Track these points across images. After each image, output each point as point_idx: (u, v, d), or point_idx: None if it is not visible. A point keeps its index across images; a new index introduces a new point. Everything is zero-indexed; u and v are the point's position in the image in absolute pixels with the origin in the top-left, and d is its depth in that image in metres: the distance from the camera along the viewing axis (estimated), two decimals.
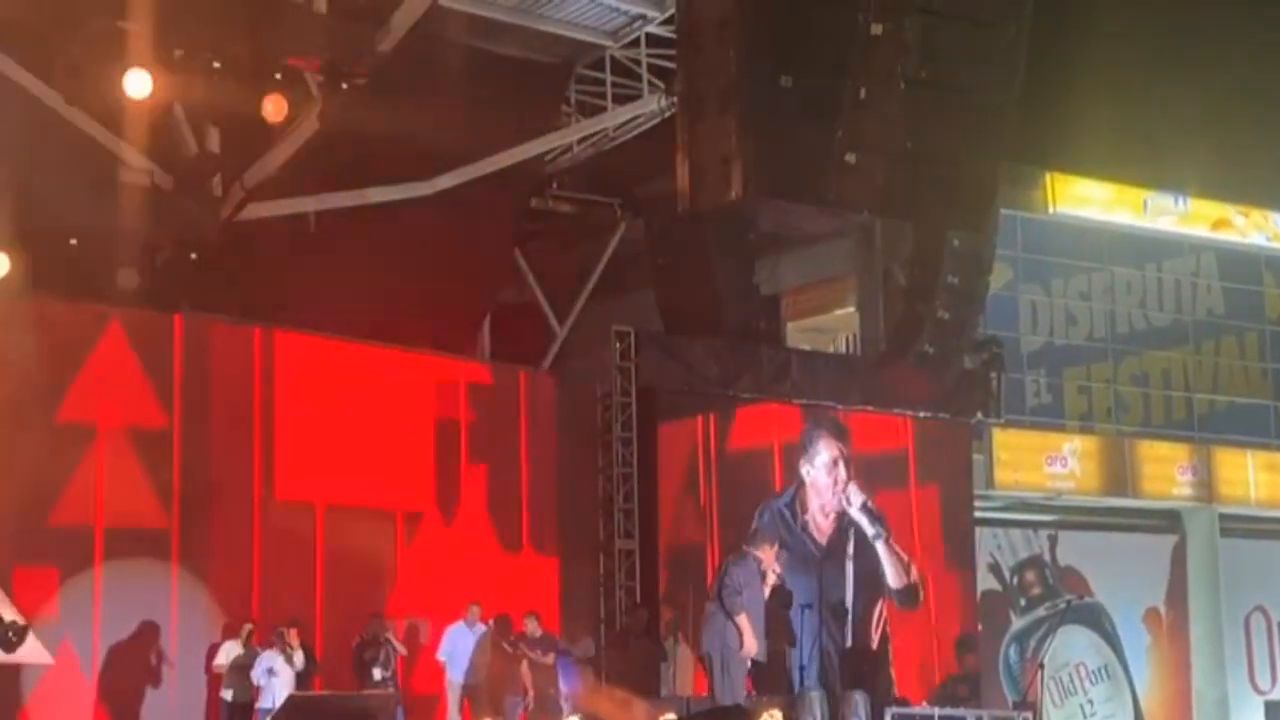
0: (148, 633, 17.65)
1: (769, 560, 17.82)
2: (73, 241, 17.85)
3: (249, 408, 18.87)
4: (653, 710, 17.06)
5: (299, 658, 17.53)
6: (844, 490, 20.06)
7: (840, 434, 20.57)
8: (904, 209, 18.66)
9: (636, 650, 18.93)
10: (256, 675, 17.36)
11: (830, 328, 24.52)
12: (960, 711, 15.78)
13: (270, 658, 17.45)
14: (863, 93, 17.08)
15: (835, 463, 20.26)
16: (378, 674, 18.05)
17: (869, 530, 20.06)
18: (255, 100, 17.42)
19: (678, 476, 21.55)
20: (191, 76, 17.21)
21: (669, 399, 20.96)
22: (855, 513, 20.05)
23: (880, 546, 19.92)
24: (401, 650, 18.59)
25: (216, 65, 17.22)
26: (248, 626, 17.77)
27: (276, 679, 17.25)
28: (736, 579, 17.59)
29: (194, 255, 18.62)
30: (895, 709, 15.32)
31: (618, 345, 20.66)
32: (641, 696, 17.94)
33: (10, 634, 14.40)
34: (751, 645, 17.42)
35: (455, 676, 18.83)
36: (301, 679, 17.51)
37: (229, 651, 17.68)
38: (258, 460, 18.86)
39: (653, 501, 20.90)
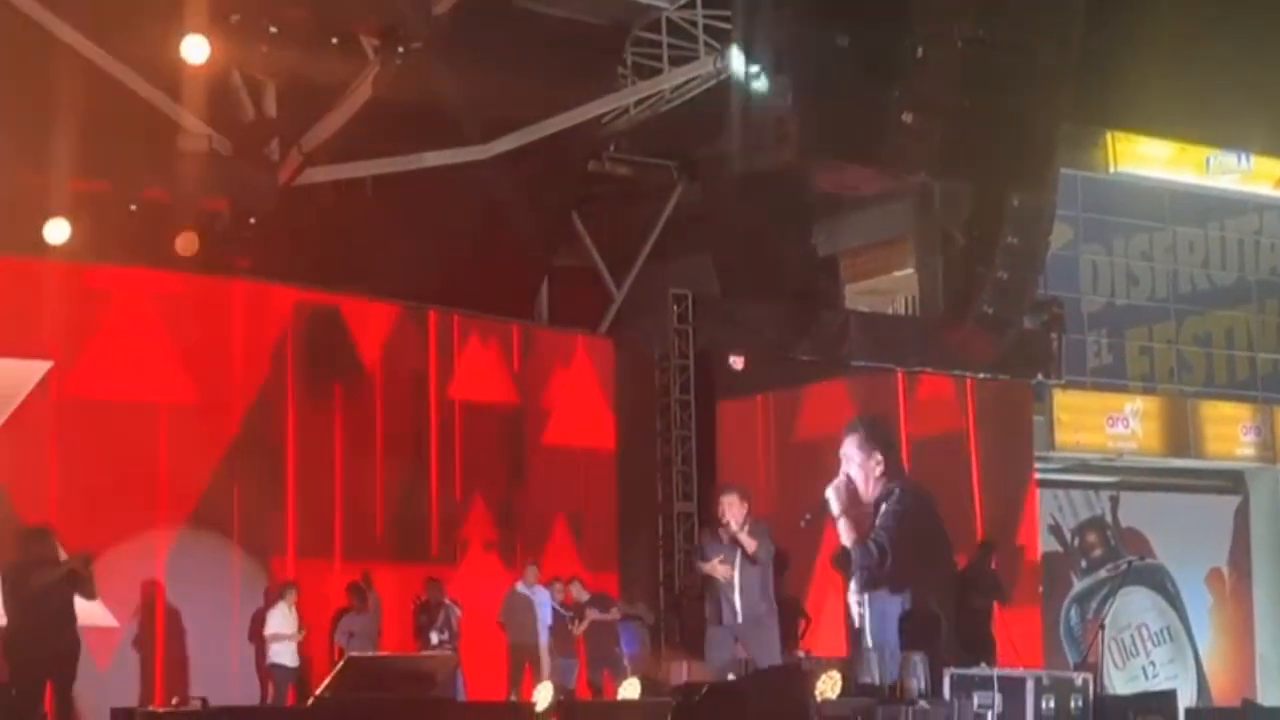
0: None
1: (732, 512, 16.23)
2: (132, 207, 17.94)
3: (327, 371, 19.05)
4: (710, 671, 17.04)
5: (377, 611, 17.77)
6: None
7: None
8: (963, 169, 18.61)
9: (692, 613, 18.94)
10: (337, 636, 17.57)
11: (889, 289, 24.44)
12: (1020, 672, 15.68)
13: (350, 620, 17.66)
14: (920, 52, 17.02)
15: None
16: (434, 638, 18.14)
17: None
18: (312, 65, 17.47)
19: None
20: (249, 41, 17.28)
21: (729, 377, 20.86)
22: None
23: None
24: (460, 611, 18.67)
25: (273, 30, 17.28)
26: (292, 590, 17.89)
27: (354, 640, 17.45)
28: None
29: (252, 220, 18.67)
30: (954, 669, 15.23)
31: (675, 308, 20.61)
32: (696, 658, 17.94)
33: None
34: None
35: (515, 639, 18.92)
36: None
37: (278, 616, 17.80)
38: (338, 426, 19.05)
39: (711, 464, 20.88)
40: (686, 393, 20.54)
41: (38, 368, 17.28)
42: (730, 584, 14.54)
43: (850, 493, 20.09)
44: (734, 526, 14.53)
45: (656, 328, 20.88)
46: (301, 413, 18.76)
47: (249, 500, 18.14)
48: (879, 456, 20.25)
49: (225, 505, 17.97)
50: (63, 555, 14.34)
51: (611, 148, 22.79)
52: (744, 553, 15.22)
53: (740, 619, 14.49)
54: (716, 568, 14.95)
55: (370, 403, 19.49)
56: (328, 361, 19.10)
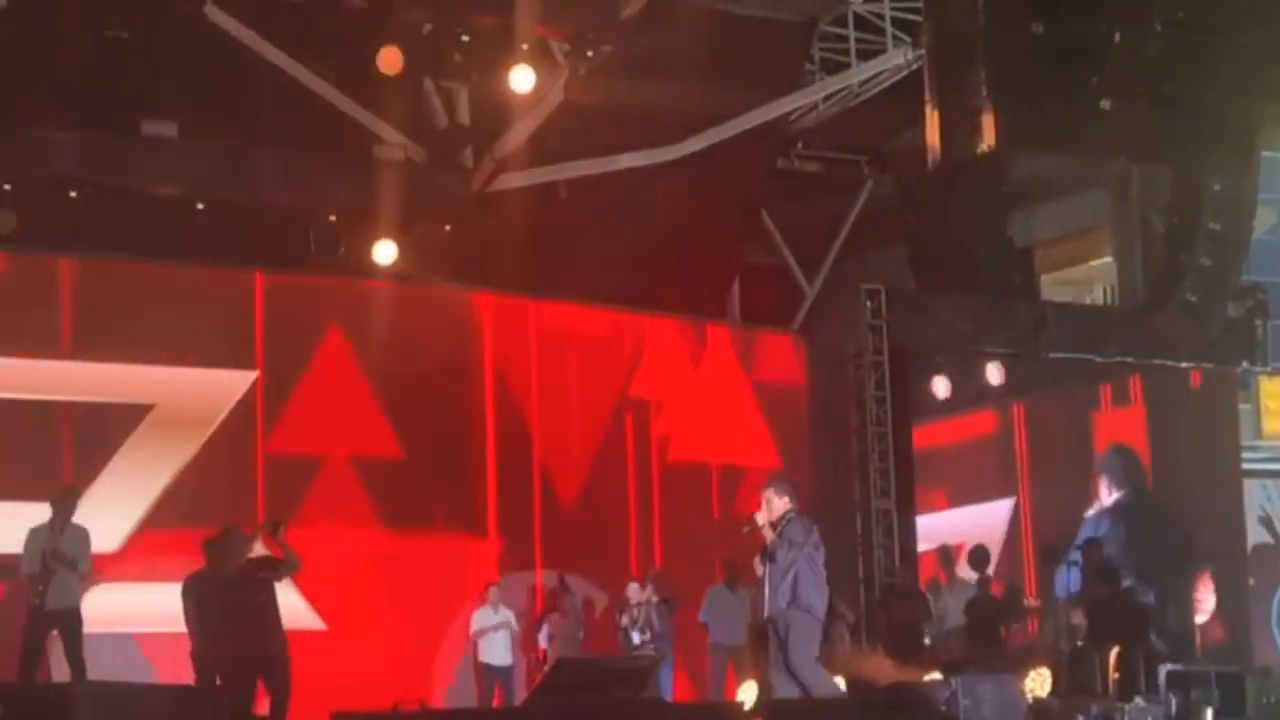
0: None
1: (766, 506, 14.22)
2: (332, 218, 18.27)
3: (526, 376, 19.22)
4: (917, 669, 16.89)
5: (576, 613, 17.89)
6: None
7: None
8: (1162, 155, 18.27)
9: (899, 609, 18.80)
10: (541, 639, 17.74)
11: (1086, 279, 24.00)
12: (1236, 669, 15.37)
13: (553, 622, 17.81)
14: (1118, 37, 16.71)
15: None
16: (636, 637, 18.20)
17: None
18: (503, 72, 17.63)
19: None
20: (441, 50, 17.48)
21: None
22: None
23: None
24: (670, 607, 18.68)
25: (465, 39, 17.46)
26: (494, 589, 18.07)
27: (555, 642, 17.59)
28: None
29: (448, 227, 18.92)
30: (1169, 666, 14.95)
31: (868, 304, 20.40)
32: (903, 655, 17.79)
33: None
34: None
35: (718, 638, 18.92)
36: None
37: (482, 617, 18.00)
38: (534, 428, 19.25)
39: (908, 460, 20.71)
40: (882, 389, 20.35)
41: (244, 378, 17.70)
42: (762, 579, 14.17)
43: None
44: (759, 521, 14.12)
45: (849, 324, 20.72)
46: (500, 419, 18.97)
47: (449, 508, 18.41)
48: (1115, 481, 20.05)
49: (425, 513, 18.23)
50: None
51: (800, 144, 22.63)
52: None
53: (765, 614, 14.10)
54: (756, 564, 14.56)
55: (565, 405, 19.64)
56: (523, 365, 19.30)
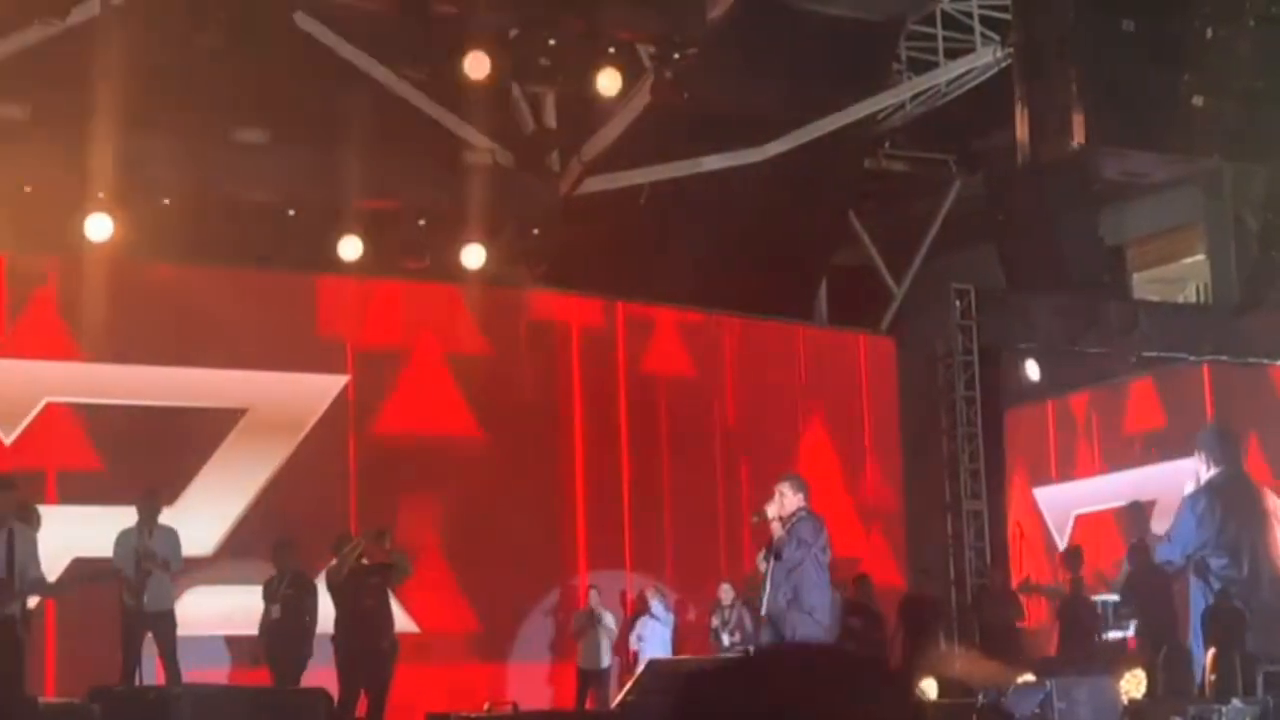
0: None
1: (774, 503, 13.69)
2: (421, 222, 18.37)
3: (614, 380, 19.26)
4: (1009, 670, 16.77)
5: (666, 616, 17.87)
6: None
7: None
8: (1256, 151, 18.05)
9: (991, 611, 18.69)
10: (632, 640, 17.77)
11: (1178, 277, 23.79)
12: None
13: (642, 624, 17.83)
14: (1210, 33, 16.55)
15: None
16: (726, 639, 18.18)
17: None
18: (590, 75, 17.66)
19: None
20: (527, 55, 17.54)
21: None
22: None
23: None
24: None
25: (551, 42, 17.51)
26: (593, 592, 18.11)
27: (644, 644, 17.59)
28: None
29: (536, 231, 18.98)
30: (1268, 667, 14.78)
31: (957, 304, 20.35)
32: (997, 656, 17.67)
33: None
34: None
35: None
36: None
37: (578, 619, 18.06)
38: (623, 431, 19.25)
39: (999, 461, 20.59)
40: (971, 389, 20.26)
41: (335, 382, 17.83)
42: (765, 578, 13.81)
43: None
44: (769, 514, 13.30)
45: (939, 324, 20.62)
46: (588, 425, 19.01)
47: (539, 515, 18.46)
48: (1212, 458, 19.80)
49: (516, 517, 18.28)
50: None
51: (888, 144, 22.56)
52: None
53: (763, 611, 13.75)
54: (760, 562, 14.19)
55: (654, 410, 19.65)
56: (611, 371, 19.33)
